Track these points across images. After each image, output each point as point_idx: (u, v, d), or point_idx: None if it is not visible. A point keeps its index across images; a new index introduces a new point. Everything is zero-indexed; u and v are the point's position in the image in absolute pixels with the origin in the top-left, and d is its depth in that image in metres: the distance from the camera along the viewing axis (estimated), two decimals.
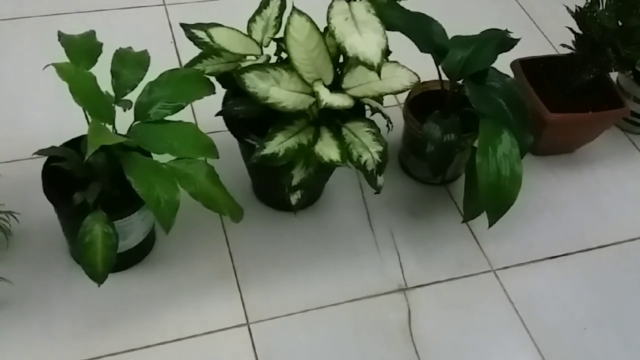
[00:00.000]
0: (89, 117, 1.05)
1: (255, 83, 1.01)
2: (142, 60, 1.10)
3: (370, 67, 0.96)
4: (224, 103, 1.19)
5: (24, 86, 1.44)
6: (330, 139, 1.05)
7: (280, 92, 1.02)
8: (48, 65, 0.99)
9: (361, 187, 1.33)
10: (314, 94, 1.03)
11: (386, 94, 1.04)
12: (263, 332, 1.11)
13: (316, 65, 1.03)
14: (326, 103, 0.97)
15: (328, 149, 1.04)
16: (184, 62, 1.52)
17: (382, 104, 1.17)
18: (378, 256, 1.24)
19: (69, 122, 1.32)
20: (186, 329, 1.10)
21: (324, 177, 1.25)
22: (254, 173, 1.27)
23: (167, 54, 1.53)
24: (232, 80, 1.15)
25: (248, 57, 1.13)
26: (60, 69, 0.99)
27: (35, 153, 1.07)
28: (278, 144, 1.04)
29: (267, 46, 1.15)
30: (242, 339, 1.10)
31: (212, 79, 1.12)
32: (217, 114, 1.15)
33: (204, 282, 1.17)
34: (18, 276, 1.12)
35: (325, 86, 1.03)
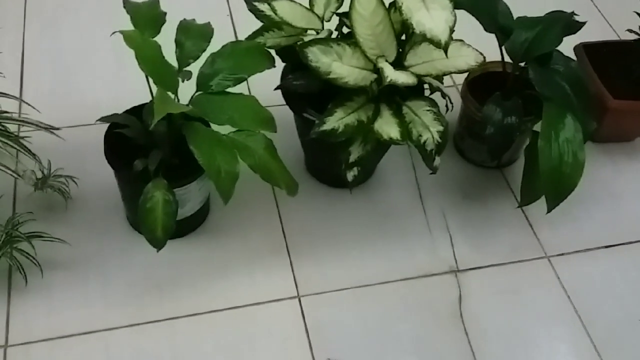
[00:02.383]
0: (151, 85, 1.06)
1: (318, 57, 1.01)
2: (205, 32, 1.11)
3: (437, 44, 0.94)
4: (282, 77, 1.19)
5: (84, 54, 1.47)
6: (390, 116, 1.05)
7: (342, 67, 1.02)
8: (115, 32, 1.00)
9: (414, 167, 1.33)
10: (375, 70, 1.02)
11: (450, 72, 1.02)
12: (313, 306, 1.12)
13: (379, 42, 1.02)
14: (390, 80, 0.96)
15: (388, 127, 1.03)
16: (240, 35, 1.53)
17: (442, 83, 1.15)
18: (430, 237, 1.23)
19: (128, 90, 1.34)
20: (238, 298, 1.12)
21: (380, 155, 1.25)
22: (308, 148, 1.28)
23: (224, 27, 1.54)
24: (292, 54, 1.15)
25: (309, 32, 1.12)
26: (127, 36, 1.00)
27: (98, 120, 1.09)
28: (337, 120, 1.03)
29: (328, 21, 1.14)
30: (293, 311, 1.11)
31: (272, 52, 1.13)
32: (276, 88, 1.15)
33: (256, 253, 1.18)
34: (76, 239, 1.15)
35: (388, 63, 1.02)
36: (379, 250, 1.20)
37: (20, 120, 1.02)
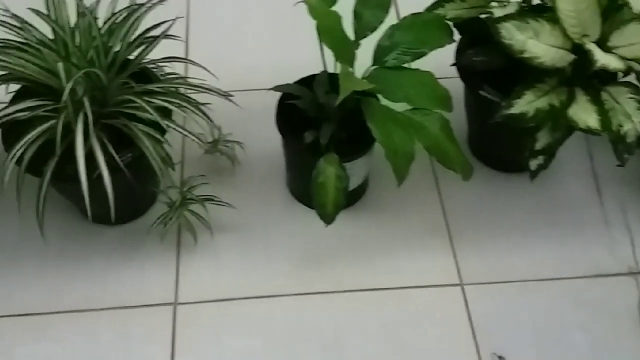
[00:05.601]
0: (325, 56, 1.03)
1: (512, 34, 0.93)
2: (383, 2, 1.06)
3: None
4: (458, 52, 1.12)
5: (245, 20, 1.47)
6: (586, 102, 0.95)
7: (538, 45, 0.93)
8: (299, 1, 0.98)
9: (590, 156, 1.22)
10: (574, 51, 0.93)
11: None
12: (477, 296, 1.08)
13: (582, 19, 0.93)
14: (602, 64, 0.87)
15: (585, 114, 0.94)
16: (401, 7, 1.45)
17: None
18: (606, 233, 1.13)
19: (288, 57, 1.33)
20: (399, 279, 1.10)
21: (561, 143, 1.16)
22: (478, 129, 1.20)
23: None
24: (472, 27, 1.08)
25: (493, 3, 1.04)
26: (311, 6, 0.97)
27: (272, 88, 1.08)
28: (527, 103, 0.96)
29: None
30: (456, 299, 1.07)
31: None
32: (453, 64, 1.09)
33: (415, 234, 1.15)
34: (241, 203, 1.17)
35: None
36: (549, 243, 1.13)
37: (204, 88, 1.04)
